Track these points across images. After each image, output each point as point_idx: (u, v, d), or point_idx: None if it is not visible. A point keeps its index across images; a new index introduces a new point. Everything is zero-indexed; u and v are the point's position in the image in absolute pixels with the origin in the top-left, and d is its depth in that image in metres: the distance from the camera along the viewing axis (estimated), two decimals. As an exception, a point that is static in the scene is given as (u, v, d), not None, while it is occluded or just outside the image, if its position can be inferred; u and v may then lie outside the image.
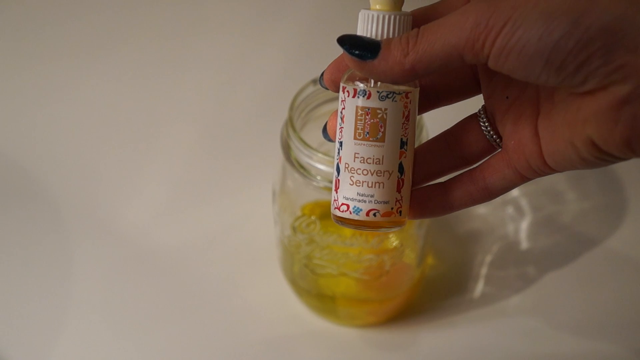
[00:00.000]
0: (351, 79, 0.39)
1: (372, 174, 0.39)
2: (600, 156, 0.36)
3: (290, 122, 0.50)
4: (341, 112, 0.39)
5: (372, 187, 0.39)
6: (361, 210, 0.39)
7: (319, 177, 0.50)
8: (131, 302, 0.60)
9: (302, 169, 0.50)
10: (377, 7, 0.38)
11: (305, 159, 0.50)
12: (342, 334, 0.58)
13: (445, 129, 0.42)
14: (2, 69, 0.76)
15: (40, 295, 0.60)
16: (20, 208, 0.65)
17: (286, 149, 0.51)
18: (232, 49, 0.76)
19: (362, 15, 0.39)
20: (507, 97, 0.40)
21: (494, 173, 0.40)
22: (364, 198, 0.39)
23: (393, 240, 0.54)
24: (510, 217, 0.63)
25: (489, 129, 0.40)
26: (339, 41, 0.38)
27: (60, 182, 0.67)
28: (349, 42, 0.38)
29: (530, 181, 0.65)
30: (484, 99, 0.41)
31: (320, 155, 0.49)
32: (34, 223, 0.64)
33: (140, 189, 0.66)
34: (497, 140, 0.40)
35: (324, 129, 0.42)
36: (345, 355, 0.57)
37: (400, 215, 0.39)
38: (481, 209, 0.64)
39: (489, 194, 0.41)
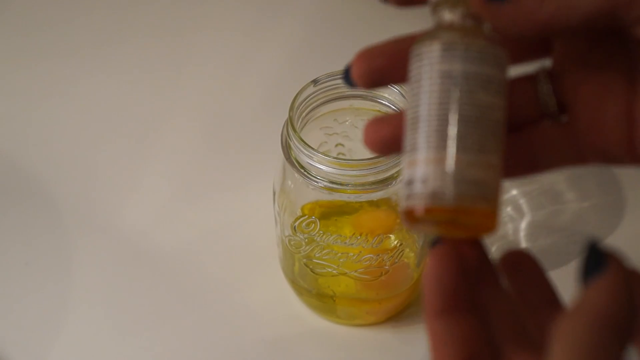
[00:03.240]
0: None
1: None
2: None
3: (290, 122, 0.50)
4: None
5: None
6: None
7: (319, 177, 0.50)
8: (131, 301, 0.60)
9: (302, 169, 0.50)
10: None
11: (305, 159, 0.50)
12: (342, 334, 0.58)
13: None
14: (1, 68, 0.76)
15: (40, 295, 0.60)
16: (20, 207, 0.65)
17: (286, 149, 0.51)
18: (232, 49, 0.76)
19: None
20: (589, 60, 0.33)
21: (546, 148, 0.34)
22: None
23: (393, 240, 0.54)
24: (510, 216, 0.63)
25: (551, 95, 0.34)
26: None
27: (60, 180, 0.67)
28: None
29: (530, 181, 0.66)
30: (555, 57, 0.34)
31: (320, 155, 0.49)
32: (34, 222, 0.64)
33: (141, 188, 0.66)
34: (556, 111, 0.34)
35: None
36: (345, 355, 0.57)
37: None
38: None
39: (531, 169, 0.35)
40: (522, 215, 0.63)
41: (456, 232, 0.34)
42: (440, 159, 0.32)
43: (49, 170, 0.67)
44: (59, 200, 0.65)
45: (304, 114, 0.53)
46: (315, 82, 0.52)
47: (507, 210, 0.64)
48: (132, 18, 0.79)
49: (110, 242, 0.63)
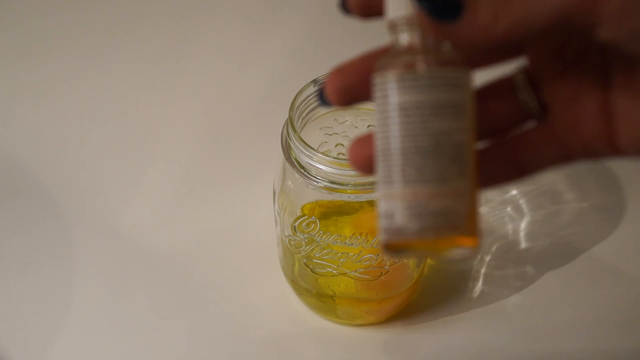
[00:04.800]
0: None
1: None
2: None
3: (290, 122, 0.50)
4: None
5: None
6: None
7: (319, 177, 0.50)
8: (131, 301, 0.60)
9: (302, 169, 0.50)
10: None
11: (305, 159, 0.50)
12: (342, 333, 0.58)
13: None
14: (1, 67, 0.76)
15: (41, 295, 0.60)
16: (20, 208, 0.65)
17: (286, 149, 0.51)
18: (232, 49, 0.76)
19: None
20: (562, 58, 0.32)
21: (530, 150, 0.34)
22: None
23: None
24: (509, 216, 0.63)
25: (531, 97, 0.34)
26: None
27: (60, 180, 0.67)
28: None
29: (530, 181, 0.66)
30: (529, 57, 0.34)
31: (320, 155, 0.49)
32: (34, 222, 0.64)
33: (141, 188, 0.66)
34: (539, 112, 0.34)
35: None
36: (344, 355, 0.57)
37: None
38: (480, 208, 0.64)
39: (519, 174, 0.34)
40: (522, 215, 0.63)
41: (438, 255, 0.34)
42: (402, 194, 0.33)
43: (49, 170, 0.67)
44: (59, 200, 0.65)
45: (304, 114, 0.53)
46: (315, 82, 0.52)
47: (507, 210, 0.64)
48: (133, 17, 0.79)
49: (110, 242, 0.63)
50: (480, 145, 0.35)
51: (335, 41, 0.75)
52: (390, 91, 0.33)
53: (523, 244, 0.62)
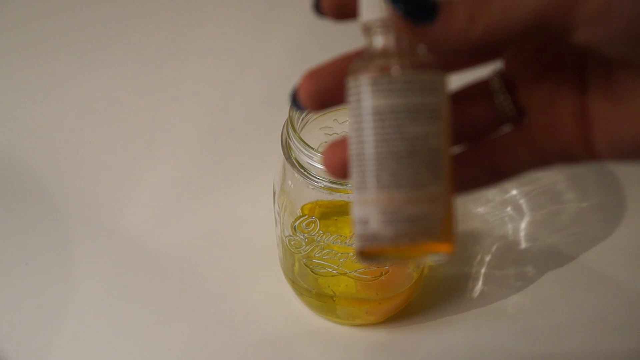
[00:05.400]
0: None
1: None
2: None
3: (290, 122, 0.50)
4: None
5: None
6: None
7: (319, 177, 0.50)
8: (130, 301, 0.60)
9: (302, 169, 0.50)
10: None
11: (305, 159, 0.50)
12: (341, 334, 0.58)
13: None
14: (1, 67, 0.76)
15: (41, 295, 0.60)
16: (20, 208, 0.65)
17: (286, 149, 0.51)
18: (232, 50, 0.77)
19: None
20: (539, 62, 0.32)
21: (507, 154, 0.33)
22: None
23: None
24: (510, 216, 0.63)
25: (507, 101, 0.33)
26: None
27: (60, 180, 0.67)
28: None
29: (530, 181, 0.66)
30: (505, 61, 0.34)
31: (320, 155, 0.49)
32: (34, 222, 0.64)
33: (141, 188, 0.66)
34: (515, 116, 0.33)
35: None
36: (344, 355, 0.57)
37: None
38: (480, 209, 0.64)
39: (496, 178, 0.34)
40: (522, 215, 0.63)
41: (413, 261, 0.34)
42: (376, 200, 0.32)
43: (49, 170, 0.67)
44: (59, 200, 0.65)
45: (304, 114, 0.53)
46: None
47: (507, 210, 0.64)
48: (132, 17, 0.79)
49: (110, 242, 0.63)
50: (457, 149, 0.34)
51: (336, 41, 0.75)
52: (364, 95, 0.32)
53: (523, 244, 0.62)
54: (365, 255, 0.33)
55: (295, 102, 0.34)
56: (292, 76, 0.63)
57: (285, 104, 0.51)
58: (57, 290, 0.60)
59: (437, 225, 0.32)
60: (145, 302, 0.60)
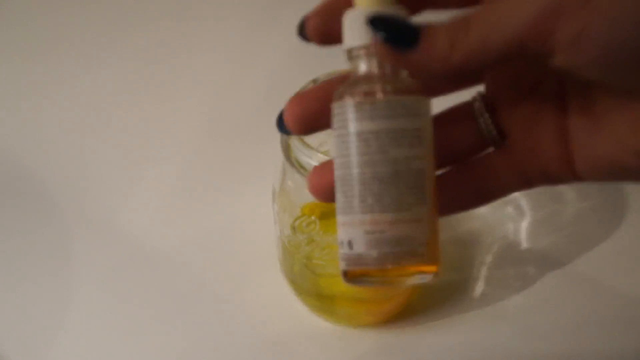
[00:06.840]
0: None
1: None
2: None
3: (290, 122, 0.50)
4: None
5: None
6: None
7: (319, 177, 0.50)
8: (130, 301, 0.60)
9: (302, 169, 0.50)
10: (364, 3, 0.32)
11: (305, 159, 0.50)
12: (341, 334, 0.58)
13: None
14: (1, 67, 0.76)
15: (40, 295, 0.60)
16: (20, 208, 0.65)
17: (286, 148, 0.51)
18: (232, 49, 0.76)
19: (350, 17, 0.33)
20: (519, 85, 0.32)
21: (490, 176, 0.34)
22: None
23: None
24: (510, 217, 0.63)
25: (488, 123, 0.34)
26: (370, 22, 0.31)
27: (60, 181, 0.67)
28: (383, 24, 0.31)
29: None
30: (486, 84, 0.35)
31: (320, 155, 0.49)
32: (34, 222, 0.64)
33: (140, 188, 0.66)
34: (497, 138, 0.34)
35: None
36: (344, 355, 0.57)
37: None
38: (481, 209, 0.63)
39: (480, 199, 0.35)
40: (522, 215, 0.63)
41: (397, 283, 0.34)
42: (361, 222, 0.33)
43: (49, 170, 0.67)
44: (59, 200, 0.65)
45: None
46: (315, 81, 0.52)
47: (507, 210, 0.64)
48: (132, 17, 0.79)
49: (110, 241, 0.63)
50: (441, 171, 0.35)
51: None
52: (349, 119, 0.33)
53: (524, 244, 0.62)
54: (351, 276, 0.34)
55: (281, 125, 0.35)
56: (292, 76, 0.63)
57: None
58: (57, 290, 0.60)
59: (422, 247, 0.33)
60: (144, 302, 0.60)
